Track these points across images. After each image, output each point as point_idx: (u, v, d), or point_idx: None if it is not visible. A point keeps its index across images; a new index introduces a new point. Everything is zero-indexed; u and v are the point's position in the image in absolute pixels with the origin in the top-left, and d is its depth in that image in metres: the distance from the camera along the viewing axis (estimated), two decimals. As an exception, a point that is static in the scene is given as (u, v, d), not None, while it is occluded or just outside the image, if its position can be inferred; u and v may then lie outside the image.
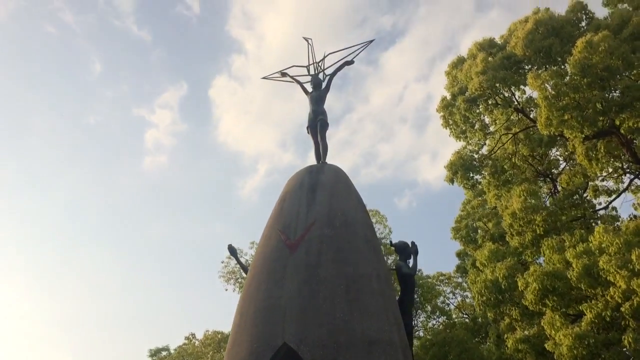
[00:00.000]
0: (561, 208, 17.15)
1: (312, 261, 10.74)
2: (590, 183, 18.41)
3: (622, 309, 12.82)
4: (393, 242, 12.60)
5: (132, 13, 67.79)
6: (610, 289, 13.04)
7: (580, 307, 13.77)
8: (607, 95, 13.91)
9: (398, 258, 12.45)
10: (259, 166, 71.41)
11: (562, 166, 22.39)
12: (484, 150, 20.78)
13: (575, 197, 17.65)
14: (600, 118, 14.36)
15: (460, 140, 20.40)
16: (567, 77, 14.74)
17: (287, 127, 72.18)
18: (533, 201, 17.44)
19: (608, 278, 13.00)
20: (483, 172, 20.73)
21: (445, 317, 33.25)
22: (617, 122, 14.30)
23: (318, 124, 14.71)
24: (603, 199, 19.85)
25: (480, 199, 25.07)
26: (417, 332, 34.72)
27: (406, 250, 12.33)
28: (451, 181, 20.21)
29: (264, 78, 17.43)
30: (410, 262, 12.21)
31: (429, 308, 34.06)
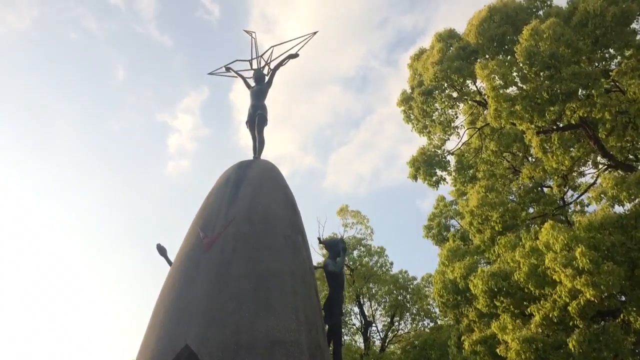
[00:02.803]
0: (521, 204, 16.76)
1: (225, 259, 10.56)
2: (556, 177, 17.97)
3: (570, 309, 12.44)
4: (322, 238, 12.34)
5: (153, 19, 68.88)
6: (557, 288, 12.67)
7: (529, 309, 13.38)
8: (554, 83, 13.52)
9: (328, 255, 12.19)
10: (280, 169, 71.47)
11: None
12: (451, 146, 20.46)
13: (535, 192, 17.26)
14: (551, 108, 13.98)
15: (422, 136, 20.08)
16: (515, 67, 14.39)
17: (307, 130, 72.59)
18: (492, 197, 17.06)
19: (554, 277, 12.63)
20: (449, 168, 20.37)
21: (429, 319, 32.90)
22: (568, 112, 13.92)
23: (256, 119, 14.52)
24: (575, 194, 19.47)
25: (465, 198, 24.72)
26: (400, 334, 34.52)
27: (335, 248, 12.08)
28: (414, 178, 19.86)
29: (209, 74, 17.36)
30: (339, 259, 11.93)
31: (414, 310, 33.82)
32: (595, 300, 11.83)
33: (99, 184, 61.73)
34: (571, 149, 17.73)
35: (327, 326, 11.82)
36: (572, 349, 11.98)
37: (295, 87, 74.48)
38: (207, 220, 11.55)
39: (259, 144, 14.13)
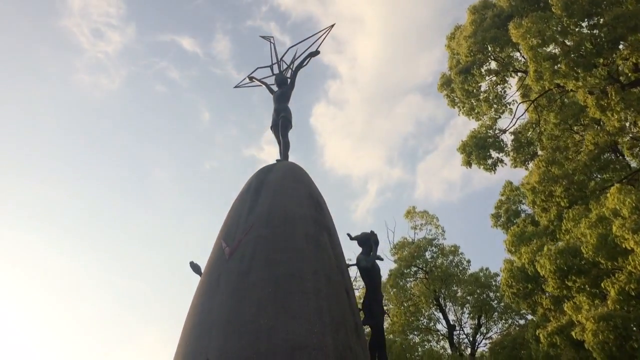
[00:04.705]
0: (587, 174, 15.05)
1: (244, 266, 10.11)
2: (625, 139, 16.01)
3: (647, 280, 10.80)
4: (352, 235, 11.47)
5: (229, 59, 73.14)
6: (629, 257, 11.06)
7: (603, 284, 11.78)
8: (598, 32, 12.02)
9: (361, 251, 11.32)
10: (369, 186, 72.34)
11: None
12: (504, 125, 18.96)
13: (602, 159, 15.44)
14: (600, 60, 12.43)
15: (471, 118, 18.72)
16: (553, 21, 12.96)
17: (391, 143, 72.74)
18: (555, 171, 15.49)
19: (624, 246, 11.04)
20: (506, 148, 18.83)
21: (519, 316, 30.70)
22: (620, 62, 12.31)
23: (280, 122, 14.18)
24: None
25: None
26: (491, 336, 32.40)
27: (367, 242, 11.21)
28: (468, 164, 18.50)
29: (235, 87, 17.29)
30: (372, 254, 11.04)
31: (500, 309, 31.77)
32: (676, 266, 10.18)
33: (199, 224, 64.82)
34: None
35: (368, 327, 11.00)
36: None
37: (374, 103, 74.51)
38: (229, 230, 11.19)
39: (283, 146, 13.78)
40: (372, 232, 11.35)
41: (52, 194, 56.14)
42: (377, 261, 11.43)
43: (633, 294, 11.05)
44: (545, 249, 13.41)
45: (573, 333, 12.34)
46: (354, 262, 11.27)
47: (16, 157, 53.52)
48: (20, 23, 52.10)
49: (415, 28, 70.17)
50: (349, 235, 11.48)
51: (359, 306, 10.91)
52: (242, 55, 70.09)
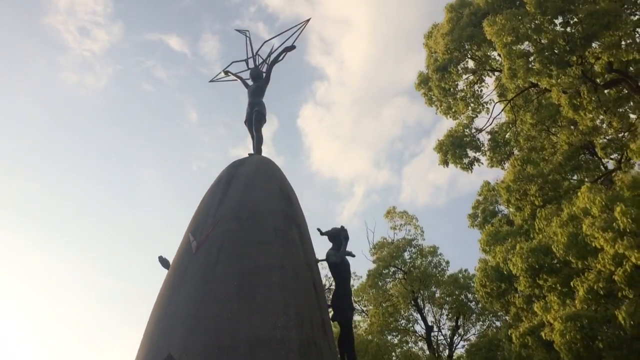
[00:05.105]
0: (562, 174, 15.13)
1: (211, 260, 9.97)
2: (598, 139, 16.14)
3: (616, 278, 10.84)
4: (323, 230, 11.38)
5: (217, 59, 72.66)
6: (599, 256, 11.11)
7: (572, 283, 11.83)
8: (571, 29, 12.09)
9: (331, 247, 11.23)
10: (356, 189, 72.15)
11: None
12: (482, 124, 19.03)
13: (577, 159, 15.54)
14: (573, 58, 12.49)
15: (449, 117, 18.75)
16: (527, 19, 13.02)
17: (378, 146, 72.64)
18: (530, 170, 15.55)
19: (594, 245, 11.09)
20: (483, 148, 18.90)
21: (495, 318, 30.84)
22: (592, 60, 12.39)
23: (254, 116, 14.08)
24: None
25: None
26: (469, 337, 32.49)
27: (337, 238, 11.14)
28: (445, 163, 18.53)
29: (211, 81, 17.14)
30: (342, 249, 10.95)
31: (478, 310, 31.87)
32: (644, 265, 10.25)
33: (185, 225, 64.22)
34: (630, 113, 15.99)
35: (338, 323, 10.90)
36: (623, 322, 10.37)
37: (361, 105, 74.63)
38: (198, 223, 11.05)
39: (256, 140, 13.68)
40: (342, 227, 11.29)
41: (37, 193, 55.47)
42: (348, 257, 11.37)
43: (602, 292, 11.11)
44: (517, 247, 13.45)
45: (542, 333, 12.36)
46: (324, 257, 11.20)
47: (0, 155, 52.75)
48: (4, 20, 51.34)
49: (403, 31, 70.58)
50: (319, 230, 11.37)
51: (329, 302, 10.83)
52: (230, 56, 69.66)
